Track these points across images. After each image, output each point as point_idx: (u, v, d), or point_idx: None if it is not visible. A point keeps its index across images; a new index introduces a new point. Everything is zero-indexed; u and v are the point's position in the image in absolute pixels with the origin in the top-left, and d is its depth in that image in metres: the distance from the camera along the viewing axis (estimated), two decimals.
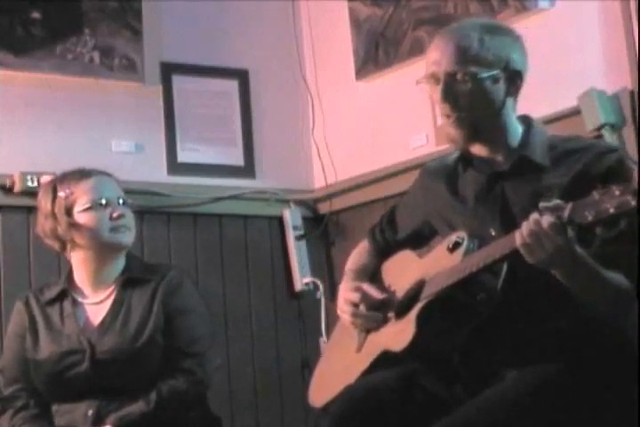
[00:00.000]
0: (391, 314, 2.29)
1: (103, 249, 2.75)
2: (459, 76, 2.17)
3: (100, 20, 3.63)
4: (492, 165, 2.23)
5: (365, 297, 2.34)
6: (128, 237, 2.77)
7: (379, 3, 3.71)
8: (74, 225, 2.71)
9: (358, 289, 2.37)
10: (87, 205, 2.72)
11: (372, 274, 2.49)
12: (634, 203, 1.79)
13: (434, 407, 2.16)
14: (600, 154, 2.14)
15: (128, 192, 3.26)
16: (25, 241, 3.37)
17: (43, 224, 2.77)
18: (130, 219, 2.78)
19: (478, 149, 2.25)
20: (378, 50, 3.70)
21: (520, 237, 1.95)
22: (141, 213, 3.61)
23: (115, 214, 2.73)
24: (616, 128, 2.90)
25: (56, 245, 2.79)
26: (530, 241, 1.93)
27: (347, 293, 2.38)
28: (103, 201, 2.73)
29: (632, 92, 2.89)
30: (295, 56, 4.04)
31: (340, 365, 2.41)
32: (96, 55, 3.61)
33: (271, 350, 3.82)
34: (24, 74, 3.51)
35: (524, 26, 3.18)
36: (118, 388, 2.64)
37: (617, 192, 1.81)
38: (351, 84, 3.83)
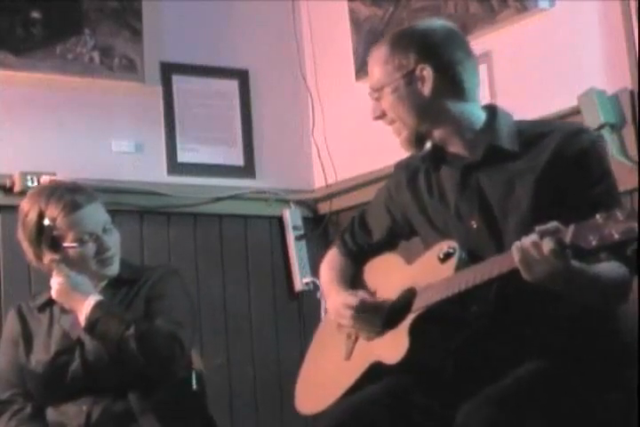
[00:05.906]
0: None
1: (87, 275, 2.75)
2: (374, 94, 2.25)
3: (100, 20, 3.64)
4: (462, 158, 2.23)
5: (363, 302, 2.31)
6: (114, 268, 2.76)
7: (379, 3, 3.71)
8: (59, 260, 2.71)
9: (354, 295, 2.35)
10: (73, 243, 2.70)
11: (352, 282, 2.46)
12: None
13: (424, 422, 2.14)
14: (570, 135, 2.13)
15: (128, 192, 3.26)
16: None
17: (26, 248, 2.77)
18: (114, 246, 2.75)
19: (446, 145, 2.25)
20: None
21: (518, 257, 1.93)
22: (141, 213, 3.62)
23: (101, 249, 2.72)
24: (616, 128, 2.89)
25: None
26: (528, 263, 1.91)
27: (345, 297, 2.35)
28: (86, 237, 2.70)
29: (632, 92, 2.89)
30: (295, 56, 4.04)
31: (327, 372, 2.40)
32: (96, 55, 3.62)
33: (271, 350, 3.82)
34: (24, 74, 3.51)
35: (523, 26, 3.20)
36: (109, 385, 2.65)
37: (621, 217, 1.78)
38: (351, 84, 3.83)
